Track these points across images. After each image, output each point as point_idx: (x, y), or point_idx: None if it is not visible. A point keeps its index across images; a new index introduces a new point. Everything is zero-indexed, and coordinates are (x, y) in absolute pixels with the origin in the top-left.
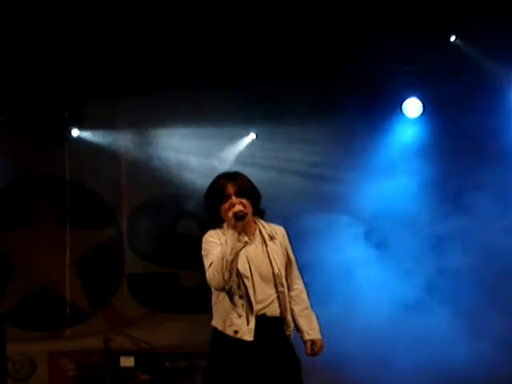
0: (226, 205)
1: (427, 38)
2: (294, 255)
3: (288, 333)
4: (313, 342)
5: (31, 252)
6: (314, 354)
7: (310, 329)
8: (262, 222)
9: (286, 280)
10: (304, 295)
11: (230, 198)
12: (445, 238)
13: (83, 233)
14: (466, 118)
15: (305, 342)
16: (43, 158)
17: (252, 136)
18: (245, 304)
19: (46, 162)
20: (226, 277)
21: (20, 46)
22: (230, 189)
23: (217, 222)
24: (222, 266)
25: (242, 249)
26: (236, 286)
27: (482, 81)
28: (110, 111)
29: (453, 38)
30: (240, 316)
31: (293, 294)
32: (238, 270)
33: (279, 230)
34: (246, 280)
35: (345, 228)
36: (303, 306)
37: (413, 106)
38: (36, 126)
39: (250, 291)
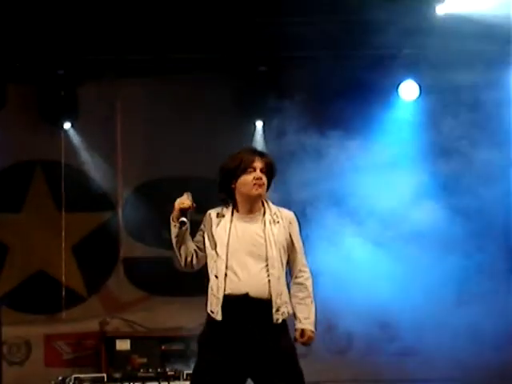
0: (250, 177)
1: (420, 16)
2: (303, 243)
3: (276, 316)
4: (303, 331)
5: (27, 235)
6: (301, 342)
7: (305, 318)
8: (271, 204)
9: (288, 266)
10: (309, 283)
11: (255, 171)
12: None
13: (79, 216)
14: (462, 100)
15: (295, 330)
16: (39, 141)
17: (260, 124)
18: (218, 283)
19: (42, 146)
20: (180, 261)
21: (16, 26)
22: (259, 163)
23: (227, 193)
24: (175, 251)
25: (183, 231)
26: (213, 266)
27: (478, 61)
28: (107, 94)
29: (440, 10)
30: (214, 296)
31: (297, 280)
32: (216, 250)
33: (287, 215)
34: (219, 260)
35: None
36: (305, 294)
37: (409, 89)
38: (32, 109)
39: (221, 272)
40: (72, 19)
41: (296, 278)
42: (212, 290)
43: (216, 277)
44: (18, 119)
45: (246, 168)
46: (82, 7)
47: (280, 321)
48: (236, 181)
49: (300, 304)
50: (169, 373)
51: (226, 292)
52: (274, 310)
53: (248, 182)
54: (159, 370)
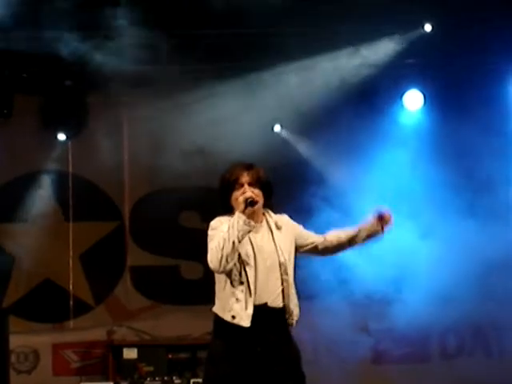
0: (238, 193)
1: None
2: None
3: (291, 321)
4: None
5: (34, 245)
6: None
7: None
8: (270, 212)
9: (306, 248)
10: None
11: (243, 186)
12: None
13: (86, 225)
14: (466, 109)
15: (370, 225)
16: (46, 151)
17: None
18: (245, 290)
19: (49, 156)
20: (226, 259)
21: (23, 36)
22: (245, 178)
23: (227, 210)
24: (224, 247)
25: (248, 232)
26: (238, 272)
27: (480, 71)
28: (113, 103)
29: (428, 28)
30: (238, 301)
31: (327, 237)
32: (240, 257)
33: (284, 218)
34: (247, 267)
35: None
36: (338, 232)
37: (413, 98)
38: (39, 119)
39: (251, 279)
40: (79, 30)
41: (325, 239)
42: (235, 295)
43: (242, 283)
44: (25, 129)
45: (234, 185)
46: (88, 19)
47: (294, 324)
48: (230, 199)
49: (344, 232)
50: (175, 381)
51: (253, 298)
52: (287, 315)
53: (236, 197)
54: (166, 378)
